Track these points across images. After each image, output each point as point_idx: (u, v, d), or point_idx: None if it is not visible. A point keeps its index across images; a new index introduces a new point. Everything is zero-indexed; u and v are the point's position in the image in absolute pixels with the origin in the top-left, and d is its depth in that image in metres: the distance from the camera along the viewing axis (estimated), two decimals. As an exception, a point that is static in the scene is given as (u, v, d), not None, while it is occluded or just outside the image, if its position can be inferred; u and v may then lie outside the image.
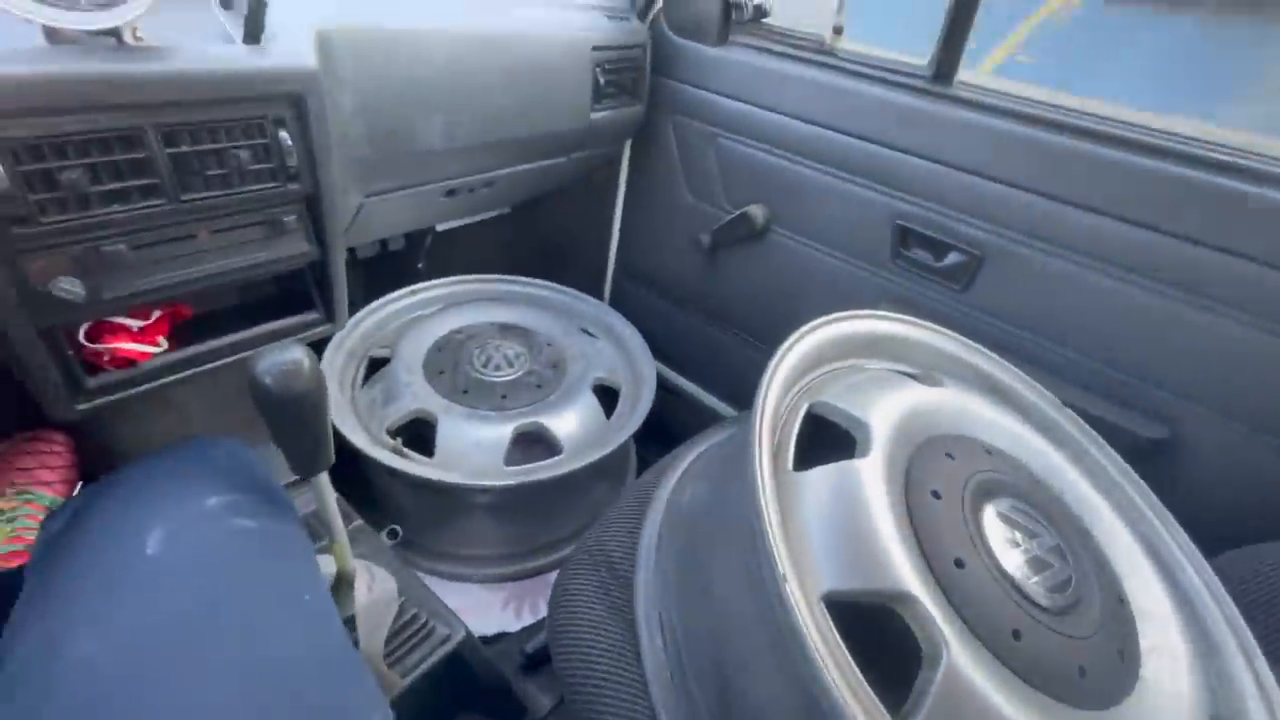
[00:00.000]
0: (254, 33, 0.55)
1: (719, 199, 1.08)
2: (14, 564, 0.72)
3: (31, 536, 0.77)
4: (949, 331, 0.64)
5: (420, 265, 1.21)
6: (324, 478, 0.54)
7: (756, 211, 1.02)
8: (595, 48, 0.93)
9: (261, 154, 0.58)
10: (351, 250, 1.13)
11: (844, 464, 0.46)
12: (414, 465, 0.87)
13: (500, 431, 0.94)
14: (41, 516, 0.72)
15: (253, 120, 0.56)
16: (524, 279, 1.27)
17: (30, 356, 0.53)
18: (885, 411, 0.50)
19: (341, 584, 0.64)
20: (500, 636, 0.95)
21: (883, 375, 0.58)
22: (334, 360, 1.03)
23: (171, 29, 0.53)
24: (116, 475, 0.52)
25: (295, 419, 0.48)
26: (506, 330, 1.17)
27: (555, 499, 1.03)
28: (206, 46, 0.54)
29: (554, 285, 1.27)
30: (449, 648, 0.71)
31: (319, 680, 0.41)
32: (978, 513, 0.46)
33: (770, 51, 0.96)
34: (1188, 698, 0.43)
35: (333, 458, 0.53)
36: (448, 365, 1.06)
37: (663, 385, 1.16)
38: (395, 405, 0.97)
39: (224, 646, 0.40)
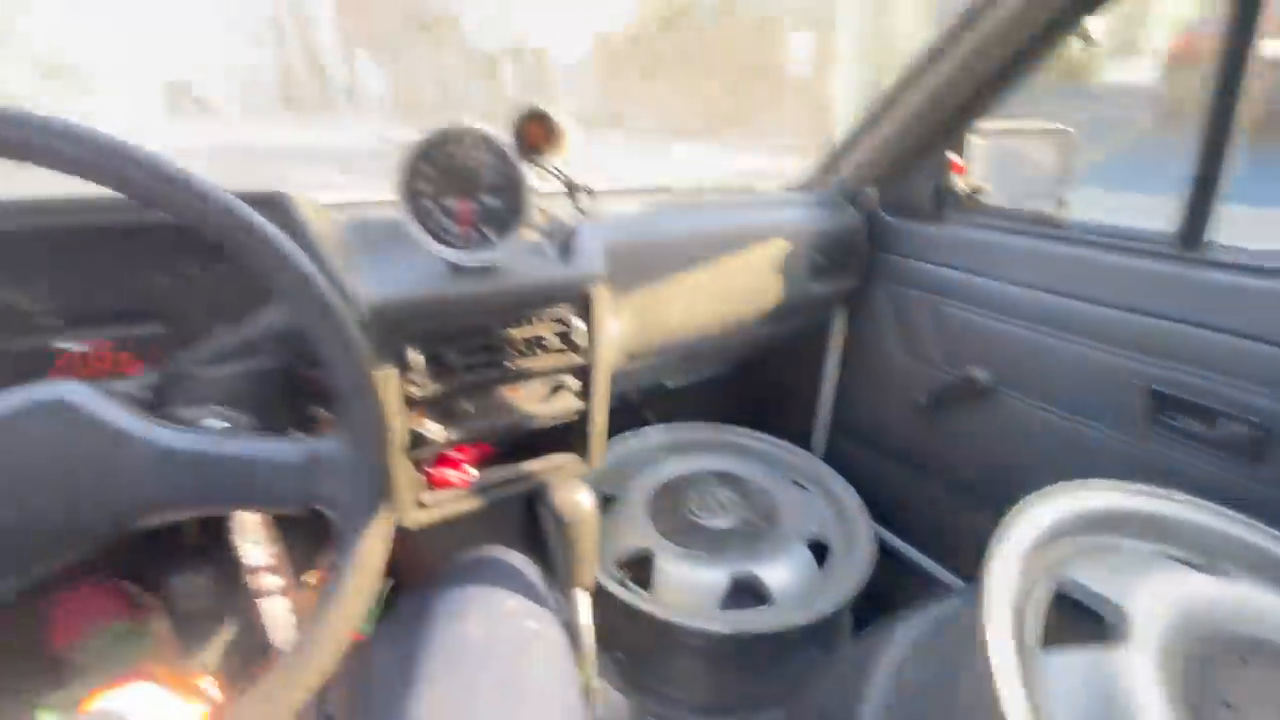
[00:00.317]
0: (564, 253, 0.77)
1: (937, 360, 1.10)
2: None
3: (152, 665, 0.99)
4: (1232, 512, 0.57)
5: (651, 415, 1.38)
6: (585, 595, 0.65)
7: (980, 373, 1.01)
8: (813, 235, 1.07)
9: (560, 335, 0.77)
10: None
11: (1104, 653, 0.43)
12: (640, 600, 0.95)
13: (716, 576, 0.99)
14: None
15: (560, 313, 0.76)
16: (739, 429, 1.37)
17: (400, 478, 0.74)
18: (1156, 599, 0.46)
19: (585, 691, 0.72)
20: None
21: (1148, 557, 0.53)
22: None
23: (517, 252, 0.76)
24: (448, 573, 0.68)
25: (574, 542, 0.60)
26: (723, 478, 1.25)
27: (767, 653, 1.02)
28: (533, 265, 0.76)
29: (767, 437, 1.34)
30: None
31: None
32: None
33: (990, 225, 1.01)
34: None
35: (594, 579, 0.64)
36: (668, 507, 1.16)
37: (878, 545, 1.13)
38: (622, 541, 1.08)
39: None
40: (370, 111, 12.71)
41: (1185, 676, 0.42)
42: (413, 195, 0.66)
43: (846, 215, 1.13)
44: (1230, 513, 0.57)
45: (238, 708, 0.40)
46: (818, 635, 1.10)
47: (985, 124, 1.03)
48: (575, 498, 0.57)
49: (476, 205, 0.68)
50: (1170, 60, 6.48)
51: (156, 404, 0.51)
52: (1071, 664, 0.43)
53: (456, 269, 0.71)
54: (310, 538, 1.05)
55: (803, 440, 1.40)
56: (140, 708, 0.86)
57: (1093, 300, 0.87)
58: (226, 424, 0.52)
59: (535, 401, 0.80)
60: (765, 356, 1.38)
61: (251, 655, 1.02)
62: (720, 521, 1.12)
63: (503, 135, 0.66)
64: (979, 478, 1.08)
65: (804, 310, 1.14)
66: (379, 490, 0.44)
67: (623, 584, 0.99)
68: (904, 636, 0.67)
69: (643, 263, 0.90)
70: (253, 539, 0.61)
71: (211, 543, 0.98)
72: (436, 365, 0.71)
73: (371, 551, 0.43)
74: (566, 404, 0.83)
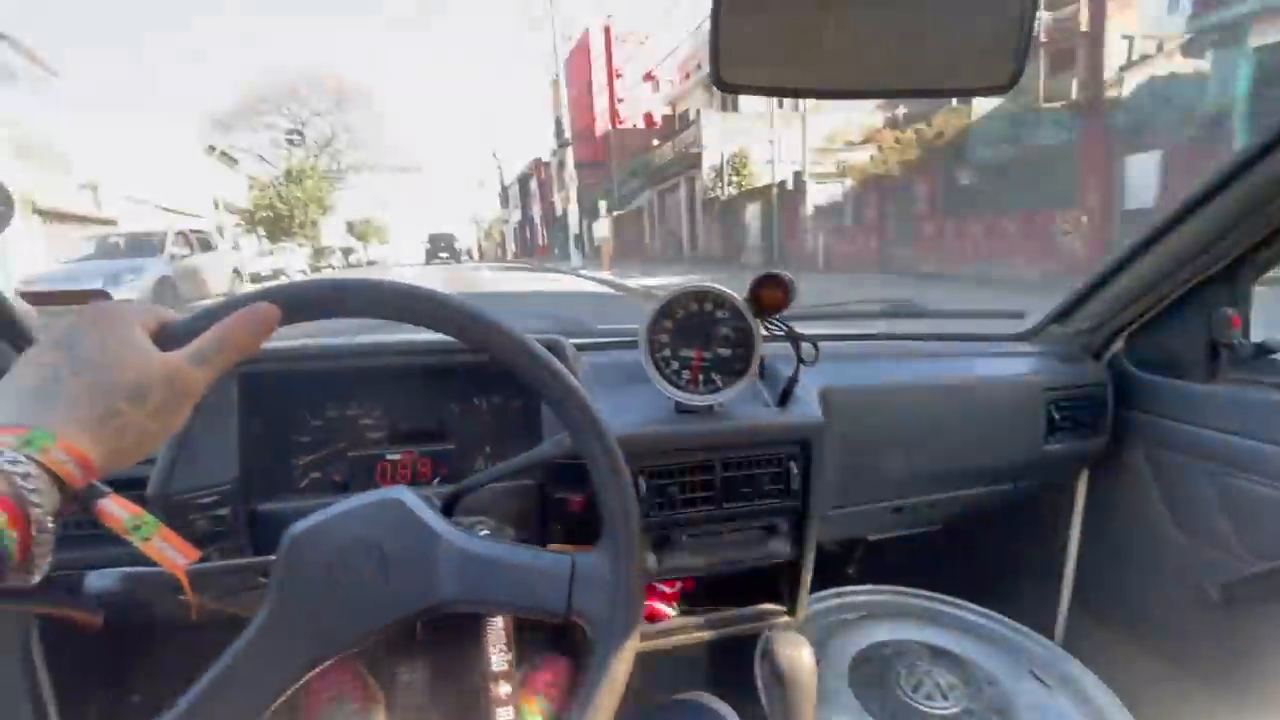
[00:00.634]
0: (784, 400, 0.80)
1: (1230, 544, 0.90)
2: None
3: None
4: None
5: (850, 570, 1.28)
6: None
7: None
8: (1048, 388, 0.98)
9: (775, 478, 0.78)
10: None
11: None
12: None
13: (940, 779, 0.84)
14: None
15: (775, 455, 0.78)
16: (956, 600, 1.21)
17: None
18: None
19: None
20: None
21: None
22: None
23: (735, 400, 0.81)
24: (651, 712, 0.68)
25: (795, 702, 0.57)
26: (938, 655, 1.09)
27: None
28: (754, 410, 0.80)
29: (992, 614, 1.17)
30: None
31: None
32: None
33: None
34: None
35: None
36: (874, 681, 1.04)
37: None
38: (823, 710, 0.98)
39: None
40: (591, 260, 16.72)
41: None
42: (653, 342, 0.75)
43: (1087, 369, 1.03)
44: None
45: None
46: None
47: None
48: (800, 654, 0.56)
49: (709, 354, 0.76)
50: None
51: (446, 510, 0.62)
52: None
53: (683, 409, 0.78)
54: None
55: (1035, 622, 1.19)
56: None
57: None
58: (492, 531, 0.61)
59: (746, 544, 0.81)
60: (988, 519, 1.24)
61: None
62: (942, 709, 0.97)
63: (737, 296, 0.74)
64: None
65: (1037, 471, 1.02)
66: (632, 608, 0.47)
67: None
68: None
69: (859, 409, 0.90)
70: (497, 645, 0.68)
71: (433, 644, 1.08)
72: (658, 497, 0.76)
73: (622, 666, 0.46)
74: (777, 548, 0.82)
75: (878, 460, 0.93)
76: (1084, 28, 8.37)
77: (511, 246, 41.51)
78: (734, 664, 1.02)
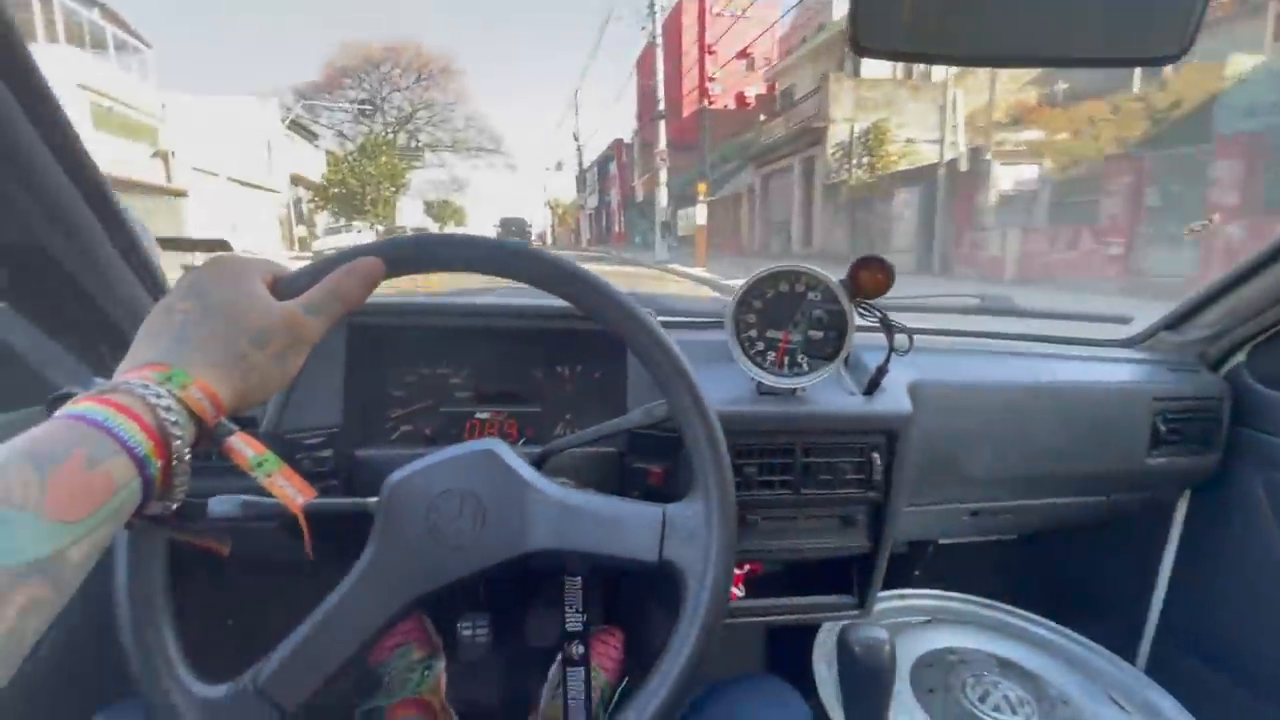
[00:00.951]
0: (871, 389, 0.78)
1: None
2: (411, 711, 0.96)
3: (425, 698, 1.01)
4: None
5: (916, 573, 1.25)
6: None
7: None
8: (1156, 398, 0.92)
9: (857, 468, 0.77)
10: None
11: None
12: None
13: (1005, 791, 0.82)
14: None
15: (859, 445, 0.76)
16: (1028, 615, 1.16)
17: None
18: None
19: None
20: None
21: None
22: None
23: (819, 385, 0.79)
24: (708, 698, 0.68)
25: (866, 688, 0.56)
26: (1007, 668, 1.05)
27: None
28: (839, 397, 0.78)
29: (1069, 632, 1.11)
30: None
31: None
32: None
33: None
34: None
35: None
36: (938, 685, 1.01)
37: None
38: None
39: None
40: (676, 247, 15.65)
41: None
42: (739, 322, 0.75)
43: (1202, 381, 0.95)
44: None
45: None
46: None
47: None
48: (881, 646, 0.54)
49: (798, 337, 0.74)
50: None
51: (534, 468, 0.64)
52: None
53: (765, 390, 0.77)
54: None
55: (1116, 644, 1.13)
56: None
57: None
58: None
59: (822, 532, 0.79)
60: (1071, 532, 1.17)
61: (509, 714, 1.10)
62: (1009, 722, 0.93)
63: (832, 278, 0.72)
64: None
65: (1136, 485, 0.96)
66: (727, 560, 0.48)
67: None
68: None
69: (946, 405, 0.87)
70: (573, 605, 0.69)
71: (495, 603, 1.12)
72: (735, 476, 0.75)
73: (714, 616, 0.46)
74: (853, 539, 0.80)
75: (959, 460, 0.89)
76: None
77: (586, 233, 39.84)
78: (788, 651, 1.01)
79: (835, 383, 0.81)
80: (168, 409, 0.35)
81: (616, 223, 33.23)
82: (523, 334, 0.82)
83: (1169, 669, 1.07)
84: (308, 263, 0.47)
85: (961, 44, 0.35)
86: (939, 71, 11.13)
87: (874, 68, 13.03)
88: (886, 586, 1.24)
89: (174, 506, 0.37)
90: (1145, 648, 1.11)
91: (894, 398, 0.78)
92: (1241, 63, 7.01)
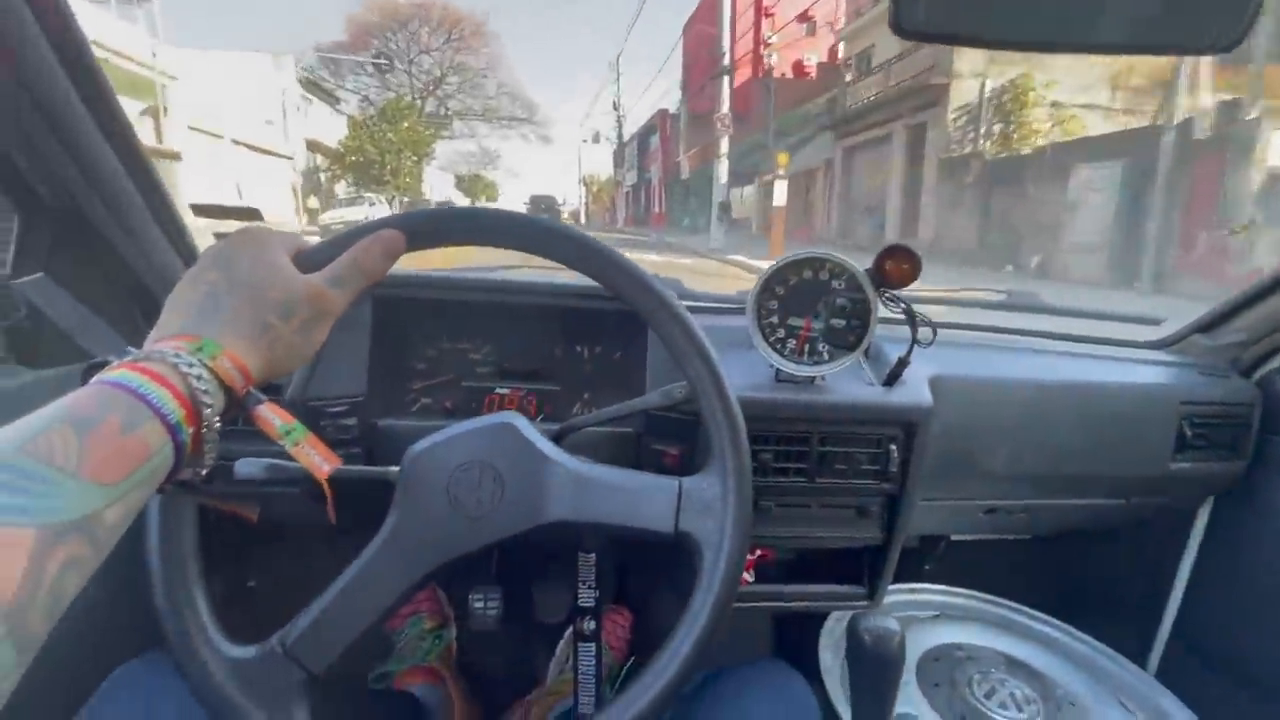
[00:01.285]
0: (891, 381, 0.77)
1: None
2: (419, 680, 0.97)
3: (435, 666, 1.02)
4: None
5: (927, 568, 1.24)
6: None
7: None
8: (1184, 402, 0.90)
9: (873, 459, 0.76)
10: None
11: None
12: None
13: (1008, 787, 0.82)
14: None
15: (876, 436, 0.76)
16: (1039, 614, 1.15)
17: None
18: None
19: None
20: None
21: None
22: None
23: (838, 374, 0.79)
24: (714, 681, 0.68)
25: (873, 677, 0.56)
26: (1015, 666, 1.05)
27: None
28: (858, 387, 0.78)
29: (1078, 634, 1.10)
30: None
31: None
32: None
33: None
34: None
35: (887, 727, 0.59)
36: (943, 680, 1.01)
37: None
38: (886, 701, 0.97)
39: None
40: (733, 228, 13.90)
41: None
42: (761, 308, 0.74)
43: (1233, 387, 0.93)
44: None
45: (605, 712, 0.45)
46: None
47: None
48: (892, 636, 0.55)
49: (820, 325, 0.74)
50: None
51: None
52: None
53: (785, 378, 0.77)
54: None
55: (1126, 648, 1.12)
56: (429, 696, 1.00)
57: None
58: None
59: (836, 522, 0.79)
60: (1087, 534, 1.16)
61: (514, 687, 1.12)
62: (1012, 718, 0.93)
63: (858, 267, 0.71)
64: None
65: (1158, 489, 0.95)
66: (743, 533, 0.48)
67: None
68: None
69: (966, 400, 0.86)
70: (587, 581, 0.70)
71: (505, 576, 1.14)
72: (752, 462, 0.75)
73: (728, 587, 0.47)
74: (866, 531, 0.80)
75: (977, 456, 0.88)
76: None
77: (622, 212, 36.96)
78: (794, 639, 1.02)
79: (855, 373, 0.80)
80: (199, 378, 0.36)
81: (657, 202, 30.17)
82: (544, 312, 0.83)
83: (1180, 675, 1.06)
84: (330, 235, 0.48)
85: (1003, 26, 0.34)
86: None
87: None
88: (896, 580, 1.24)
89: (203, 472, 0.38)
90: (1156, 653, 1.10)
91: (914, 390, 0.77)
92: None
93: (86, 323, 0.68)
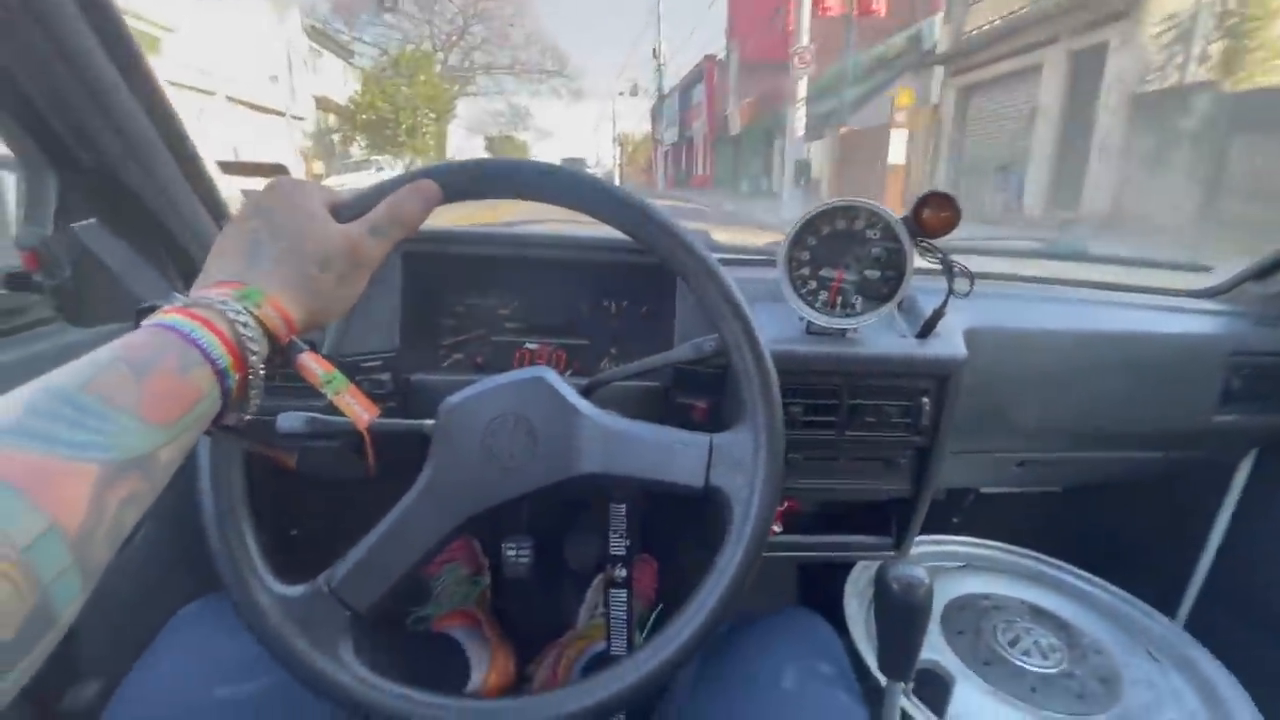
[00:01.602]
0: (925, 333, 0.75)
1: None
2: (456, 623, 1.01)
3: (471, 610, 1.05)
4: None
5: (955, 520, 1.25)
6: (899, 688, 0.61)
7: None
8: (1234, 352, 0.87)
9: (904, 412, 0.75)
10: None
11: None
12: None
13: (1033, 731, 0.84)
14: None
15: (908, 389, 0.75)
16: (1066, 566, 1.15)
17: None
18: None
19: None
20: None
21: None
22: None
23: (870, 326, 0.77)
24: (741, 628, 0.70)
25: (900, 625, 0.57)
26: (1040, 615, 1.06)
27: None
28: (890, 339, 0.76)
29: (1105, 584, 1.10)
30: None
31: None
32: None
33: None
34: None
35: (913, 674, 0.60)
36: (968, 628, 1.02)
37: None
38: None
39: None
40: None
41: None
42: (792, 260, 0.73)
43: (1285, 336, 0.89)
44: None
45: (634, 656, 0.47)
46: None
47: None
48: (921, 582, 0.55)
49: (854, 276, 0.72)
50: None
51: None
52: None
53: (816, 330, 0.76)
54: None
55: (1154, 600, 1.11)
56: (466, 639, 1.05)
57: None
58: None
59: (865, 474, 0.79)
60: (1119, 486, 1.15)
61: (545, 632, 1.17)
62: (1039, 666, 0.94)
63: (893, 214, 0.69)
64: None
65: (1199, 442, 0.92)
66: (773, 489, 0.48)
67: (913, 702, 0.90)
68: None
69: (1005, 352, 0.84)
70: (618, 530, 0.72)
71: (538, 526, 1.17)
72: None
73: (757, 543, 0.48)
74: (895, 483, 0.80)
75: (1012, 409, 0.87)
76: None
77: (661, 173, 31.96)
78: (820, 587, 1.04)
79: (887, 324, 0.79)
80: (245, 325, 0.36)
81: (700, 162, 26.72)
82: (570, 266, 0.82)
83: (1209, 627, 1.05)
84: (367, 186, 0.48)
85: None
86: None
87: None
88: (923, 532, 1.24)
89: (247, 418, 0.40)
90: (1186, 605, 1.09)
91: (948, 342, 0.76)
92: None
93: (137, 268, 0.69)
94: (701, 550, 0.51)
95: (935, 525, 1.25)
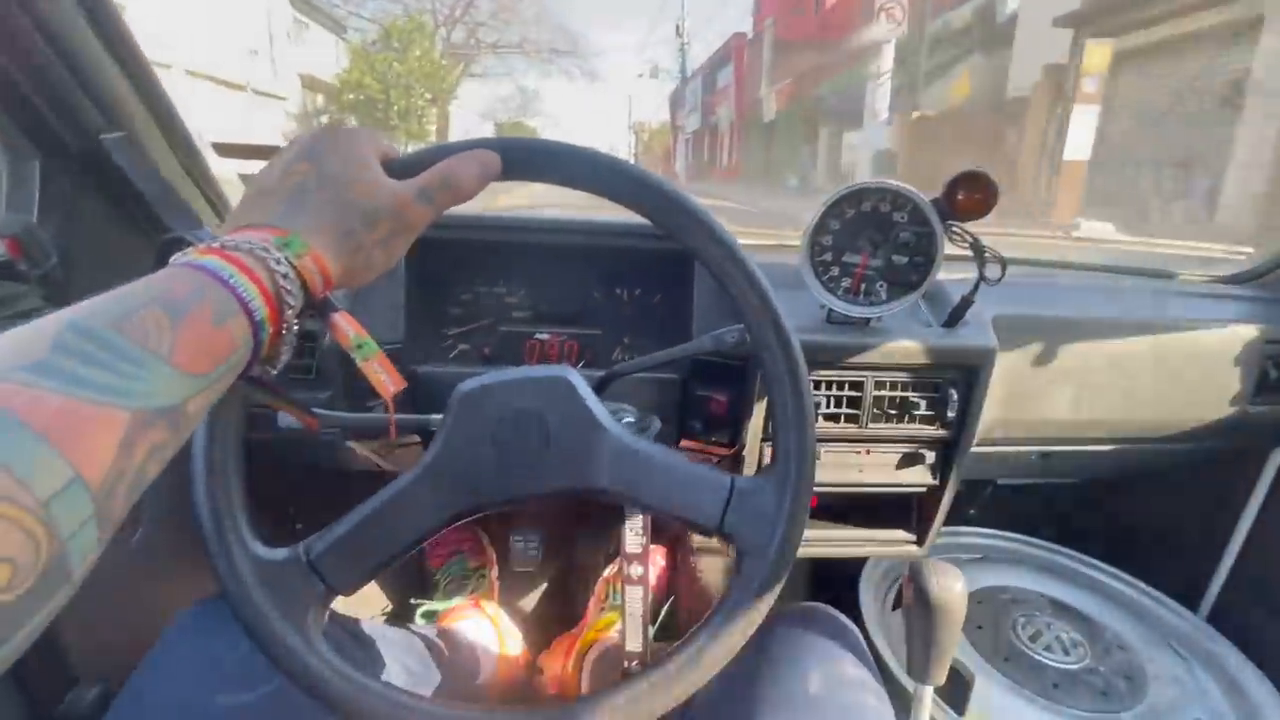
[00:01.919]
0: (953, 322, 0.72)
1: None
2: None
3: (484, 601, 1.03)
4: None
5: (972, 511, 1.22)
6: (929, 692, 0.59)
7: None
8: (1271, 340, 0.83)
9: (930, 404, 0.72)
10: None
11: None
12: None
13: (1055, 729, 0.81)
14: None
15: (934, 381, 0.72)
16: (1086, 558, 1.13)
17: None
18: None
19: None
20: None
21: None
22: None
23: (903, 314, 0.74)
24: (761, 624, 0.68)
25: (937, 628, 0.55)
26: (1061, 609, 1.04)
27: None
28: (915, 328, 0.73)
29: (1127, 578, 1.08)
30: None
31: None
32: None
33: None
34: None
35: (944, 678, 0.57)
36: (986, 622, 1.00)
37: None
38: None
39: None
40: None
41: None
42: (815, 245, 0.69)
43: (1327, 323, 0.86)
44: None
45: (610, 701, 0.44)
46: None
47: None
48: (954, 584, 0.53)
49: (879, 261, 0.69)
50: None
51: (596, 391, 0.62)
52: None
53: (838, 318, 0.72)
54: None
55: (1187, 595, 1.09)
56: (474, 632, 1.03)
57: None
58: (638, 419, 0.60)
59: (887, 467, 0.77)
60: (1142, 478, 1.12)
61: (553, 624, 1.16)
62: (1061, 662, 0.92)
63: (923, 197, 0.65)
64: None
65: (1231, 433, 0.89)
66: (790, 545, 0.45)
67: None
68: None
69: (1031, 341, 0.81)
70: (634, 528, 0.69)
71: (547, 519, 1.15)
72: None
73: (765, 597, 0.45)
74: (919, 477, 0.77)
75: (1037, 400, 0.84)
76: None
77: (680, 164, 29.65)
78: (832, 580, 1.02)
79: (912, 312, 0.76)
80: (285, 276, 0.34)
81: (727, 151, 23.61)
82: (579, 253, 0.79)
83: (1233, 621, 1.03)
84: (426, 146, 0.44)
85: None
86: None
87: None
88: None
89: (274, 372, 0.37)
90: (1210, 598, 1.07)
91: (977, 331, 0.73)
92: None
93: (168, 193, 0.66)
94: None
95: (950, 516, 1.22)
